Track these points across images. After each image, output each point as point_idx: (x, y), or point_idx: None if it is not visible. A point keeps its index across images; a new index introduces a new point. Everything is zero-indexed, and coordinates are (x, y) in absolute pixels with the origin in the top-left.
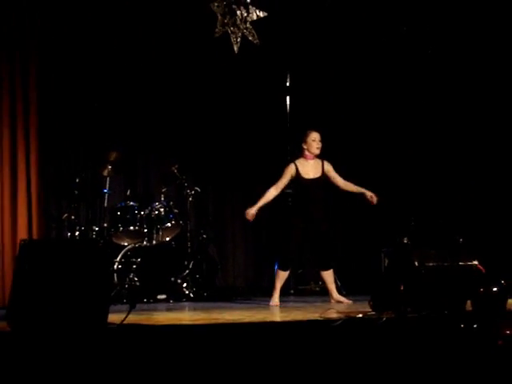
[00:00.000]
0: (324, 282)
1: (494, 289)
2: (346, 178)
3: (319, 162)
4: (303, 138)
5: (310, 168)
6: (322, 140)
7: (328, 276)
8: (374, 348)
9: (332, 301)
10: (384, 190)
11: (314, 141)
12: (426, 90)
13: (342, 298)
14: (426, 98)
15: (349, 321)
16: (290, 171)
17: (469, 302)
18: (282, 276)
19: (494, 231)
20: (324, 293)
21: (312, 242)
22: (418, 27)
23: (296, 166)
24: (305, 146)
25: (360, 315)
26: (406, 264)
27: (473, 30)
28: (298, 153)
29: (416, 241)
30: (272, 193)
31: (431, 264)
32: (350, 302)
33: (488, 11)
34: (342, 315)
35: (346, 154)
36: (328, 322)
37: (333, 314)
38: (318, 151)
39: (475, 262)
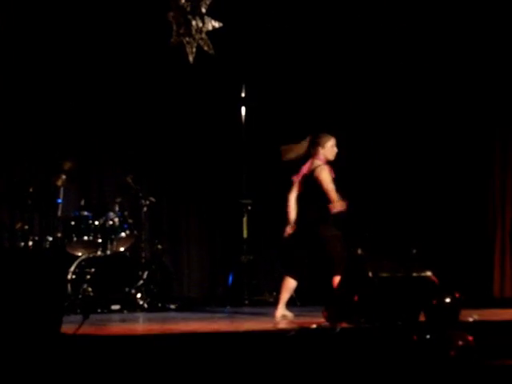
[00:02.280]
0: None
1: (447, 300)
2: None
3: None
4: (319, 141)
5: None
6: (277, 150)
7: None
8: (327, 358)
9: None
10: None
11: (333, 147)
12: (371, 103)
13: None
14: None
15: (303, 331)
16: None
17: (422, 312)
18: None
19: (448, 243)
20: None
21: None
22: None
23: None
24: (321, 150)
25: (314, 326)
26: (359, 275)
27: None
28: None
29: (370, 252)
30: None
31: (385, 275)
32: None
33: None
34: (296, 326)
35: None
36: (282, 332)
37: (287, 325)
38: (333, 158)
39: (428, 273)
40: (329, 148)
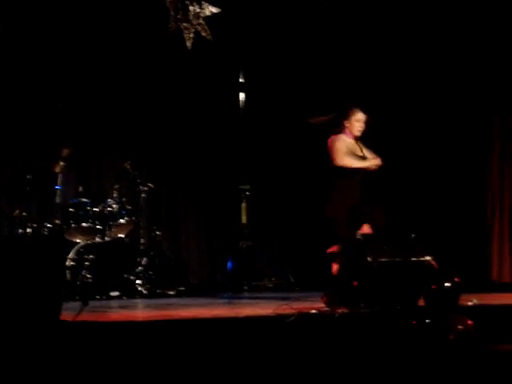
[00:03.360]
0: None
1: (447, 284)
2: (301, 171)
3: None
4: (346, 114)
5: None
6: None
7: None
8: (327, 344)
9: None
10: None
11: (358, 121)
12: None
13: None
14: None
15: (302, 317)
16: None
17: (421, 297)
18: None
19: (447, 227)
20: (277, 289)
21: None
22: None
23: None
24: (347, 124)
25: (313, 311)
26: (359, 260)
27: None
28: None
29: (369, 236)
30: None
31: (384, 260)
32: None
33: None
34: (295, 311)
35: (299, 147)
36: (281, 317)
37: (286, 311)
38: (359, 134)
39: (428, 258)
40: (353, 123)
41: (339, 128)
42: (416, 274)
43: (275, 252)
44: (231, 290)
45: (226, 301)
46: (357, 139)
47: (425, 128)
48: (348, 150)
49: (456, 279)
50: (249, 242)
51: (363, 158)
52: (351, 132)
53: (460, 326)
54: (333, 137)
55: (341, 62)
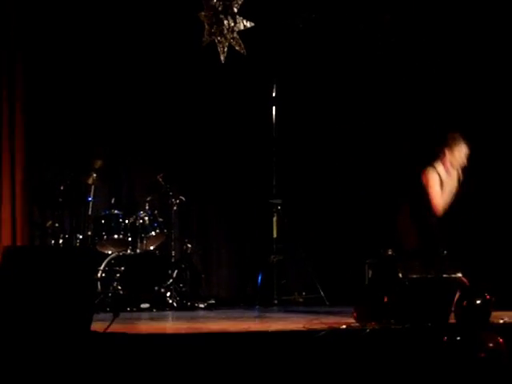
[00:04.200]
0: None
1: (478, 301)
2: (336, 186)
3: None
4: (447, 142)
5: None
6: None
7: None
8: (357, 359)
9: None
10: (370, 201)
11: (460, 154)
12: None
13: None
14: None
15: (333, 332)
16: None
17: (452, 314)
18: None
19: (479, 243)
20: (308, 303)
21: None
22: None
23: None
24: (448, 152)
25: (344, 326)
26: (390, 275)
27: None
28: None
29: (401, 252)
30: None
31: (415, 276)
32: None
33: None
34: (325, 326)
35: (332, 162)
36: (312, 332)
37: (317, 325)
38: (458, 167)
39: (459, 275)
40: (455, 153)
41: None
42: (447, 290)
43: (306, 266)
44: (261, 304)
45: (256, 315)
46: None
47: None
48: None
49: (487, 296)
50: (280, 256)
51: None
52: (451, 162)
53: (491, 344)
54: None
55: (373, 74)
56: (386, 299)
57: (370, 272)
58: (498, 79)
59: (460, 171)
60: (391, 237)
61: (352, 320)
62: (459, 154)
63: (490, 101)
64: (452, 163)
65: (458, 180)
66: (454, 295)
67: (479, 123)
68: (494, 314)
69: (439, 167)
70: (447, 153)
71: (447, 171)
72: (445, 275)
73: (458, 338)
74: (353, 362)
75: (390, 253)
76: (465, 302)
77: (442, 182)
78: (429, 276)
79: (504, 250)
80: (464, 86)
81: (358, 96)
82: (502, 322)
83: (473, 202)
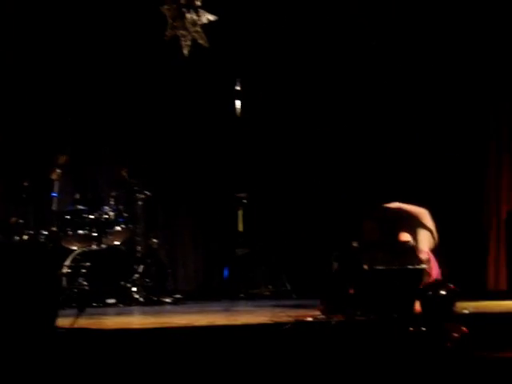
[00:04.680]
0: None
1: (442, 292)
2: (298, 180)
3: None
4: None
5: None
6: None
7: None
8: (323, 351)
9: None
10: (334, 194)
11: None
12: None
13: None
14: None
15: (298, 324)
16: None
17: (417, 304)
18: None
19: (443, 235)
20: (274, 296)
21: None
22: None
23: None
24: None
25: (310, 319)
26: (355, 267)
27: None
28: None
29: (365, 245)
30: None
31: (380, 267)
32: None
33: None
34: (292, 319)
35: (299, 156)
36: (278, 325)
37: (283, 318)
38: None
39: (423, 266)
40: None
41: None
42: (412, 281)
43: (272, 260)
44: (228, 297)
45: (223, 308)
46: None
47: (420, 128)
48: None
49: (452, 287)
50: (245, 250)
51: None
52: None
53: (455, 334)
54: None
55: (339, 68)
56: (351, 291)
57: (336, 264)
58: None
59: None
60: (356, 229)
61: (318, 312)
62: None
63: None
64: None
65: None
66: (419, 286)
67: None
68: (459, 304)
69: None
70: None
71: None
72: (409, 266)
73: (424, 329)
74: (318, 354)
75: (354, 245)
76: (429, 293)
77: None
78: (393, 267)
79: (467, 241)
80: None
81: (325, 88)
82: (467, 312)
83: (437, 193)
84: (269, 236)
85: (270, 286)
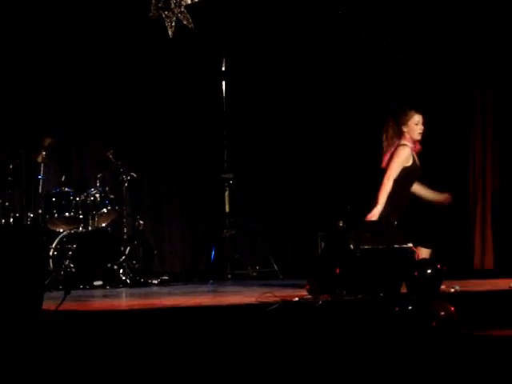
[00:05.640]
0: None
1: (429, 271)
2: (284, 160)
3: None
4: (401, 119)
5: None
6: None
7: None
8: (310, 331)
9: None
10: (320, 174)
11: (417, 124)
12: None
13: None
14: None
15: (285, 304)
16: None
17: (403, 284)
18: None
19: (429, 214)
20: (261, 277)
21: None
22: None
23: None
24: (405, 129)
25: (296, 299)
26: (341, 247)
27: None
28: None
29: (352, 224)
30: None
31: (366, 247)
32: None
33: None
34: (278, 299)
35: (284, 138)
36: (264, 305)
37: (269, 299)
38: (419, 137)
39: (410, 245)
40: (412, 126)
41: (398, 134)
42: (398, 260)
43: (259, 240)
44: (215, 278)
45: (210, 289)
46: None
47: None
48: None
49: (438, 266)
50: (232, 231)
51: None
52: (412, 137)
53: (442, 313)
54: (398, 145)
55: (324, 50)
56: (337, 271)
57: (323, 244)
58: None
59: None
60: (342, 209)
61: (305, 293)
62: (416, 124)
63: None
64: (413, 137)
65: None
66: (405, 265)
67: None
68: (446, 283)
69: (408, 144)
70: (404, 129)
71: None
72: (396, 245)
73: (410, 308)
74: (305, 334)
75: (341, 224)
76: (416, 272)
77: (415, 159)
78: (380, 247)
79: (453, 220)
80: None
81: (311, 69)
82: (452, 290)
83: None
84: (255, 217)
85: (257, 267)
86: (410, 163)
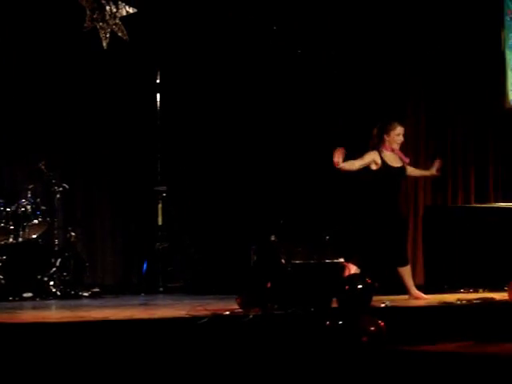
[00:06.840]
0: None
1: (359, 286)
2: (217, 173)
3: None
4: (385, 128)
5: (392, 157)
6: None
7: (406, 272)
8: (239, 345)
9: (410, 297)
10: (253, 188)
11: (399, 136)
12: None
13: (420, 295)
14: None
15: (215, 318)
16: (372, 157)
17: (334, 299)
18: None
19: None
20: (194, 291)
21: (392, 236)
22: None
23: (379, 153)
24: (387, 138)
25: (227, 312)
26: (273, 261)
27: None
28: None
29: (284, 238)
30: (355, 165)
31: (298, 261)
32: (428, 298)
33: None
34: (209, 313)
35: (219, 151)
36: (195, 319)
37: (200, 312)
38: (397, 147)
39: (341, 260)
40: (393, 137)
41: (378, 141)
42: (329, 275)
43: (191, 253)
44: (146, 291)
45: (141, 302)
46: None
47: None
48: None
49: (368, 281)
50: (165, 244)
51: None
52: (390, 146)
53: (372, 328)
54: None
55: (257, 59)
56: (268, 285)
57: (255, 257)
58: None
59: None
60: (275, 223)
61: (235, 306)
62: (397, 136)
63: None
64: (391, 146)
65: (400, 158)
66: (336, 280)
67: None
68: (377, 298)
69: (384, 151)
70: (386, 138)
71: (393, 152)
72: (327, 260)
73: (340, 323)
74: (235, 347)
75: (273, 238)
76: (346, 287)
77: (384, 164)
78: (311, 261)
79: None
80: None
81: (245, 81)
82: (383, 305)
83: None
84: (188, 230)
85: (190, 280)
86: (376, 167)
